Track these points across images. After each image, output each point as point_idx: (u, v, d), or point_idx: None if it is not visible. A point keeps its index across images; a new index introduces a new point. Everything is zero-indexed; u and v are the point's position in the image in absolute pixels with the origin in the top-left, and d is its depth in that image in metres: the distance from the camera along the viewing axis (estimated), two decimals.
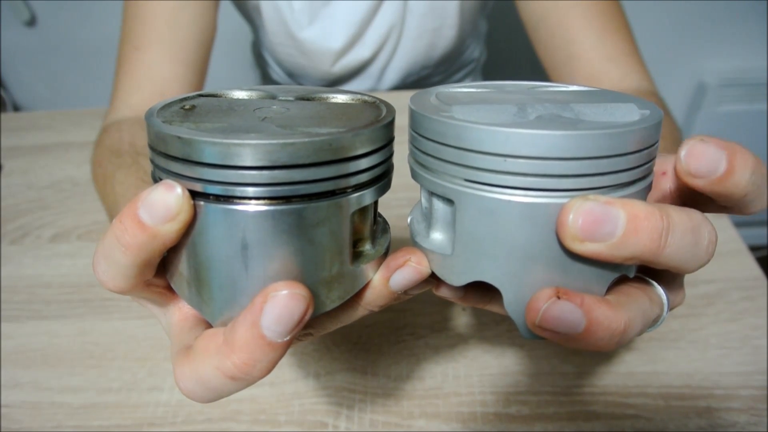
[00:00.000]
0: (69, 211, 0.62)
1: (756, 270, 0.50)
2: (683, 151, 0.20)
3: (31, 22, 1.28)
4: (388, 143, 0.22)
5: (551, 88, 0.26)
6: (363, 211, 0.23)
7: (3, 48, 1.31)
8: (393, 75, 0.78)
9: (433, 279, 0.24)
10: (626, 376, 0.42)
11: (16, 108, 1.41)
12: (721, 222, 0.54)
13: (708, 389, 0.41)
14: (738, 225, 0.56)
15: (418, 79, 0.80)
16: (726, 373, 0.42)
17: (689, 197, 0.23)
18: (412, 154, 0.23)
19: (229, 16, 0.77)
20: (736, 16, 1.26)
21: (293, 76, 0.81)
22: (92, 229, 0.59)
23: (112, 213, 0.43)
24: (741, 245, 0.53)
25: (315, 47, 0.73)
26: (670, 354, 0.44)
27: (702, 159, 0.20)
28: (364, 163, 0.21)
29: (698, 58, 1.34)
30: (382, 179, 0.23)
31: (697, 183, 0.20)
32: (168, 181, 0.20)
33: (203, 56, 0.58)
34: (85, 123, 0.77)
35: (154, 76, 0.54)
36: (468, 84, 0.26)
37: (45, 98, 1.42)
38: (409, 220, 0.26)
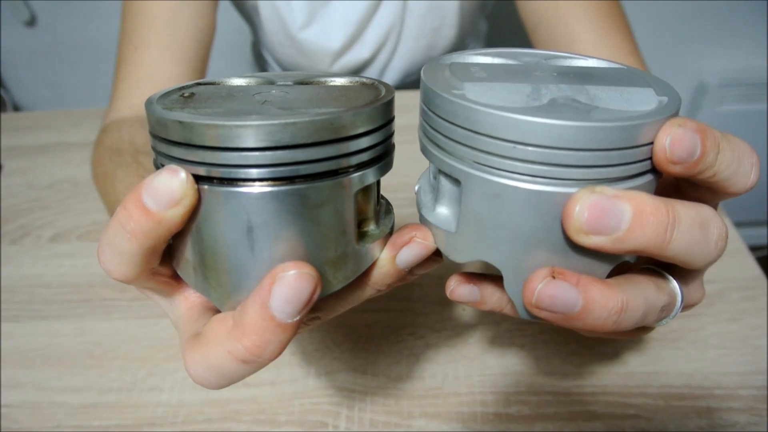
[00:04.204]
0: (69, 211, 0.62)
1: (756, 270, 0.50)
2: (667, 141, 0.19)
3: (31, 22, 1.28)
4: (388, 122, 0.22)
5: (567, 62, 0.26)
6: (366, 191, 0.23)
7: (3, 48, 1.31)
8: (393, 75, 0.78)
9: (438, 256, 0.24)
10: (626, 376, 0.42)
11: (16, 108, 1.41)
12: None
13: (708, 389, 0.41)
14: (738, 225, 0.56)
15: (417, 79, 0.80)
16: (726, 373, 0.42)
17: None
18: (422, 128, 0.23)
19: (229, 16, 0.77)
20: (736, 17, 1.26)
21: None
22: (92, 229, 0.59)
23: (113, 211, 0.43)
24: (741, 245, 0.53)
25: (314, 47, 0.73)
26: (670, 354, 0.44)
27: (682, 145, 0.19)
28: (365, 141, 0.21)
29: (698, 58, 1.34)
30: (383, 158, 0.23)
31: (675, 169, 0.20)
32: (171, 166, 0.19)
33: (203, 56, 0.58)
34: (85, 123, 0.77)
35: (154, 76, 0.54)
36: (484, 51, 0.26)
37: (45, 98, 1.42)
38: (416, 188, 0.26)
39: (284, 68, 0.80)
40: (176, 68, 0.55)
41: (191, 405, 0.42)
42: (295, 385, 0.43)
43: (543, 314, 0.21)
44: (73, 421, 0.41)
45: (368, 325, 0.47)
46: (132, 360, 0.45)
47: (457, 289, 0.26)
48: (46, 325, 0.49)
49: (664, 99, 0.21)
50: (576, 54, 0.26)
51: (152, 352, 0.46)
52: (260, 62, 0.87)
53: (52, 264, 0.55)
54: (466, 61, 0.25)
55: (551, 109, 0.20)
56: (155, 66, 0.54)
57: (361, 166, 0.21)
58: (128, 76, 0.55)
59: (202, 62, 0.59)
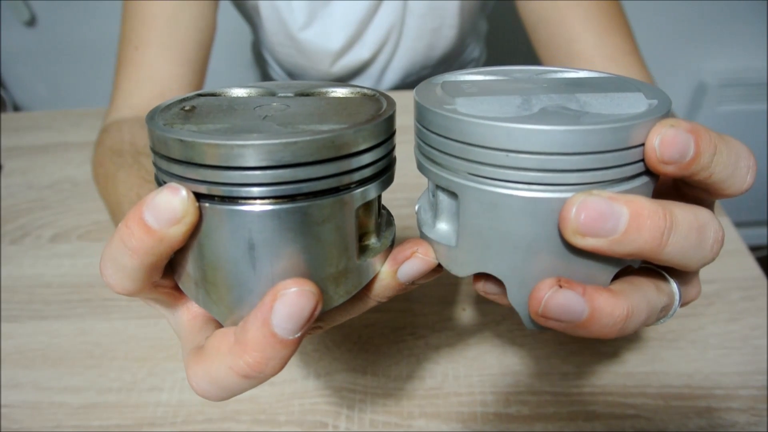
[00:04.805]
0: (69, 211, 0.62)
1: (756, 270, 0.50)
2: (657, 141, 0.19)
3: (31, 22, 1.28)
4: (389, 137, 0.22)
5: (558, 75, 0.26)
6: (367, 205, 0.23)
7: (3, 48, 1.31)
8: (393, 75, 0.78)
9: (439, 267, 0.24)
10: (626, 376, 0.42)
11: (16, 108, 1.41)
12: (721, 222, 0.54)
13: (708, 389, 0.41)
14: (738, 225, 0.56)
15: (417, 79, 0.80)
16: (726, 373, 0.42)
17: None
18: (417, 146, 0.23)
19: (229, 16, 0.77)
20: (736, 17, 1.26)
21: (293, 76, 0.81)
22: (92, 229, 0.59)
23: (114, 213, 0.43)
24: (741, 245, 0.53)
25: (314, 47, 0.73)
26: (669, 354, 0.44)
27: (674, 145, 0.19)
28: (366, 158, 0.21)
29: (698, 58, 1.34)
30: (385, 173, 0.23)
31: (667, 169, 0.20)
32: (173, 184, 0.20)
33: (203, 56, 0.58)
34: (85, 123, 0.77)
35: (154, 76, 0.55)
36: (475, 70, 0.26)
37: (45, 98, 1.42)
38: (416, 207, 0.26)
39: (284, 68, 0.80)
40: (176, 68, 0.55)
41: (191, 405, 0.42)
42: (295, 385, 0.43)
43: (549, 323, 0.21)
44: (73, 421, 0.41)
45: (368, 325, 0.47)
46: (132, 360, 0.45)
47: (486, 284, 0.25)
48: (46, 325, 0.49)
49: (654, 102, 0.21)
50: (567, 68, 0.26)
51: (152, 352, 0.46)
52: (260, 62, 0.87)
53: (52, 264, 0.55)
54: (458, 79, 0.25)
55: (542, 116, 0.20)
56: (155, 66, 0.54)
57: (362, 182, 0.21)
58: (129, 76, 0.55)
59: (203, 62, 0.59)
